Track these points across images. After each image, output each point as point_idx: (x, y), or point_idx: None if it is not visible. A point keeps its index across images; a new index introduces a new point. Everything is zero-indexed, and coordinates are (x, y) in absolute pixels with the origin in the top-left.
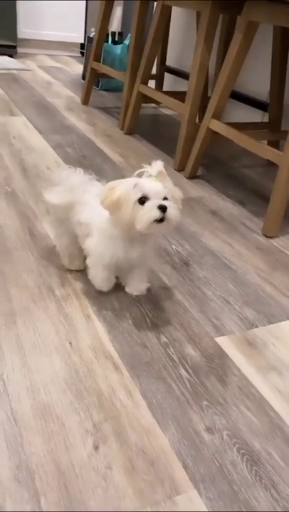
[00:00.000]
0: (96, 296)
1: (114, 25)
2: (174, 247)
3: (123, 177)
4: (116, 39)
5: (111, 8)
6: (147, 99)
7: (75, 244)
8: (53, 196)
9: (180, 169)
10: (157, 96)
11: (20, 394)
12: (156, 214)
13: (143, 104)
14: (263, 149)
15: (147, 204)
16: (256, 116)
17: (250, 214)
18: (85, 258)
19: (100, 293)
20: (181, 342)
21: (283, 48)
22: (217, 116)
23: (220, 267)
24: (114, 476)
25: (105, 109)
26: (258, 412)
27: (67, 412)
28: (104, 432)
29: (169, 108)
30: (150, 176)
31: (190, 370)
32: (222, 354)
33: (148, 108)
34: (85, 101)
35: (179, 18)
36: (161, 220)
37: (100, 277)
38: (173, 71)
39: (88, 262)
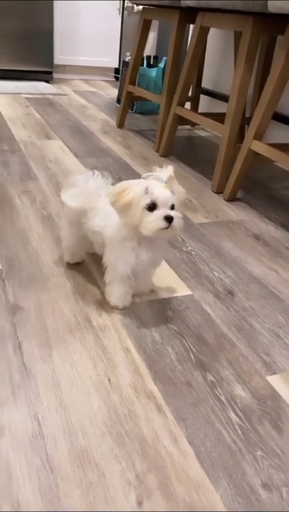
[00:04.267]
0: (135, 327)
1: (148, 48)
2: (216, 273)
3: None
4: (151, 62)
5: (147, 33)
6: (183, 121)
7: (82, 245)
8: (68, 197)
9: (218, 191)
10: (195, 118)
11: (56, 437)
12: (163, 224)
13: (178, 126)
14: None
15: (155, 213)
16: None
17: None
18: (86, 250)
19: (140, 324)
20: (229, 381)
21: None
22: (259, 137)
23: (267, 296)
24: None
25: (140, 132)
26: None
27: (107, 459)
28: (148, 485)
29: (205, 130)
30: (159, 179)
31: (240, 414)
32: (275, 395)
33: (183, 130)
34: (120, 124)
35: (215, 39)
36: (167, 228)
37: (116, 292)
38: (208, 93)
39: (106, 278)
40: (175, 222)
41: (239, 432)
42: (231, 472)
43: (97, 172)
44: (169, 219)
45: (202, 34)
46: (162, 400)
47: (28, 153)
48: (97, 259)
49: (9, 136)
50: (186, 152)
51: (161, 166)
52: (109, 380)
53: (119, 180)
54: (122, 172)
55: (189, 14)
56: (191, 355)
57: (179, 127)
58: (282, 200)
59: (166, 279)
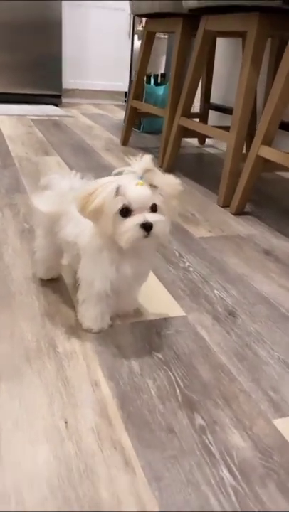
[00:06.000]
0: (110, 354)
1: (157, 67)
2: (216, 292)
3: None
4: (159, 81)
5: (151, 46)
6: (189, 133)
7: (57, 258)
8: (40, 202)
9: (225, 205)
10: (199, 127)
11: None
12: (139, 234)
13: (186, 144)
14: None
15: (129, 220)
16: None
17: None
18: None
19: (116, 351)
20: (224, 426)
21: None
22: (268, 142)
23: (277, 318)
24: None
25: (145, 149)
26: None
27: None
28: None
29: (215, 147)
30: (134, 173)
31: (237, 473)
32: (285, 446)
33: (191, 147)
34: (125, 141)
35: (222, 53)
36: (146, 236)
37: (91, 313)
38: (218, 108)
39: (79, 296)
40: (156, 229)
41: (233, 497)
42: None
43: (74, 171)
44: (146, 226)
45: (207, 39)
46: (132, 450)
47: (22, 168)
48: (74, 273)
49: (5, 152)
50: (192, 168)
51: (135, 157)
52: (66, 422)
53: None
54: None
55: (193, 22)
56: (177, 391)
57: (187, 144)
58: None
59: (156, 298)
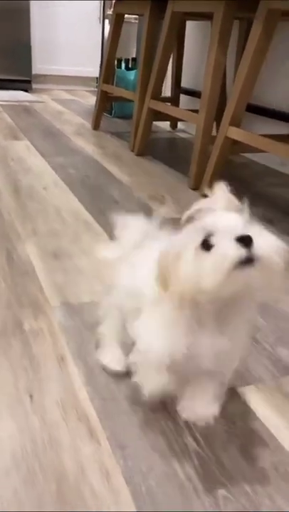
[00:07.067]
0: (77, 332)
1: (129, 52)
2: None
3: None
4: (130, 65)
5: (120, 28)
6: (159, 117)
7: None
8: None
9: (195, 187)
10: (168, 110)
11: None
12: (235, 252)
13: (158, 128)
14: None
15: (216, 242)
16: (284, 130)
17: (281, 232)
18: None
19: (83, 328)
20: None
21: None
22: (236, 123)
23: None
24: None
25: (117, 134)
26: None
27: (5, 507)
28: None
29: (187, 132)
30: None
31: (200, 439)
32: (247, 412)
33: (163, 132)
34: (96, 126)
35: (193, 37)
36: (248, 261)
37: (151, 382)
38: (189, 92)
39: (132, 357)
40: (264, 250)
41: (196, 462)
42: None
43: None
44: (243, 239)
45: (174, 21)
46: (98, 422)
47: None
48: (40, 252)
49: None
50: (164, 152)
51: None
52: (31, 396)
53: (86, 177)
54: (90, 170)
55: (162, 4)
56: None
57: (159, 129)
58: (267, 196)
59: None
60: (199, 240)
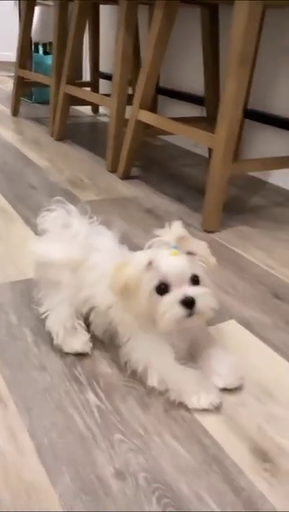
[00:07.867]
0: None
1: (47, 36)
2: None
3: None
4: (47, 50)
5: (33, 11)
6: (78, 101)
7: (76, 317)
8: (46, 248)
9: (113, 170)
10: (82, 94)
11: None
12: (180, 313)
13: (79, 113)
14: (196, 134)
15: (166, 298)
16: (197, 112)
17: (190, 210)
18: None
19: None
20: (93, 358)
21: (213, 36)
22: (146, 106)
23: None
24: None
25: (37, 119)
26: (188, 440)
27: None
28: None
29: (107, 115)
30: (165, 244)
31: (102, 394)
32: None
33: (84, 116)
34: (15, 112)
35: (108, 22)
36: (189, 315)
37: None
38: (107, 76)
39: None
40: (200, 304)
41: (96, 414)
42: (78, 465)
43: (69, 205)
44: (187, 302)
45: (84, 5)
46: (6, 388)
47: None
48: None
49: None
50: (84, 136)
51: (163, 226)
52: None
53: (4, 163)
54: (8, 156)
55: None
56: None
57: (80, 114)
58: (180, 176)
59: None
60: (154, 283)
